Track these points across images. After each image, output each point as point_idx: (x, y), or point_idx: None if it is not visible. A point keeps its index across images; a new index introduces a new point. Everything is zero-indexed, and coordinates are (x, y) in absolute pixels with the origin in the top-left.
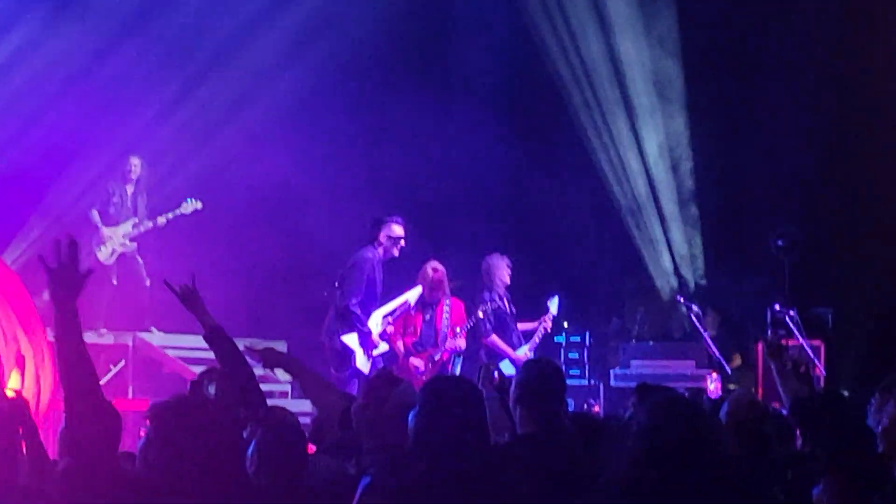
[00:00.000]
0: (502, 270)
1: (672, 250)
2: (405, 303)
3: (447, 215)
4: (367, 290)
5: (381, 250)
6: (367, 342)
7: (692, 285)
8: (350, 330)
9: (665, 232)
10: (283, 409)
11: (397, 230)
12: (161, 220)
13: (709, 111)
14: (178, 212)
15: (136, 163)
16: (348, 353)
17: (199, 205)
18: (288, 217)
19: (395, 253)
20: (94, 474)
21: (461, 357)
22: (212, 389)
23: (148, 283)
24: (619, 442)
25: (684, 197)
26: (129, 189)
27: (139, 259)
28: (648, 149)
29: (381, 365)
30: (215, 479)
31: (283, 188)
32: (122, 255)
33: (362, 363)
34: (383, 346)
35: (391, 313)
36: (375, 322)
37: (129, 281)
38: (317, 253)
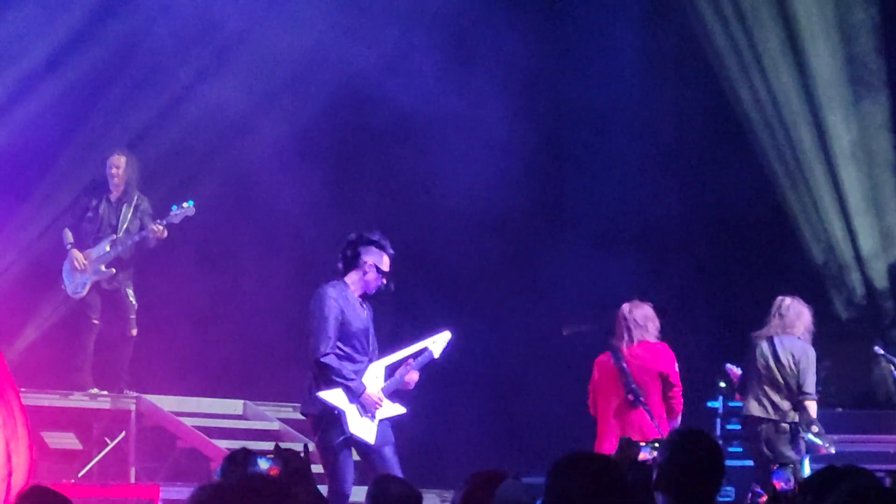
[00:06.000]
0: (810, 319)
1: (862, 265)
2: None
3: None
4: (343, 335)
5: (357, 284)
6: (362, 399)
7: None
8: (329, 386)
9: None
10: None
11: (387, 262)
12: (157, 228)
13: None
14: (163, 222)
15: (119, 162)
16: (332, 414)
17: (190, 209)
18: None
19: (371, 291)
20: None
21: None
22: (263, 465)
23: (134, 332)
24: None
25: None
26: (113, 198)
27: (130, 298)
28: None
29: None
30: None
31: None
32: (102, 288)
33: (363, 428)
34: (394, 410)
35: (397, 364)
36: (376, 374)
37: (111, 325)
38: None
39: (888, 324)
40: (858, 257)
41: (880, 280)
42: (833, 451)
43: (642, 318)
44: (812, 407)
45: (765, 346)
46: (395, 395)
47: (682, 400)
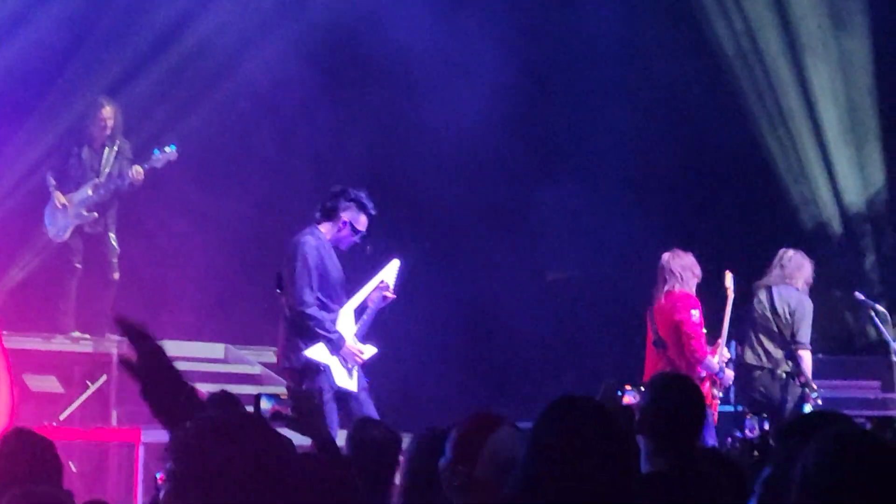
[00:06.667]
0: (810, 272)
1: (842, 207)
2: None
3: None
4: (322, 285)
5: (331, 234)
6: (343, 352)
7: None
8: (312, 340)
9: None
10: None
11: (364, 223)
12: (136, 172)
13: None
14: (145, 166)
15: (108, 112)
16: (319, 370)
17: (172, 154)
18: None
19: (342, 247)
20: None
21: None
22: (265, 406)
23: (116, 276)
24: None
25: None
26: (97, 144)
27: (112, 241)
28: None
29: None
30: None
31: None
32: (84, 232)
33: (345, 379)
34: (369, 350)
35: (363, 306)
36: (347, 322)
37: (93, 269)
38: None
39: (867, 267)
40: (838, 200)
41: (860, 223)
42: (820, 402)
43: (679, 268)
44: (806, 356)
45: (763, 295)
46: (367, 335)
47: (701, 347)
